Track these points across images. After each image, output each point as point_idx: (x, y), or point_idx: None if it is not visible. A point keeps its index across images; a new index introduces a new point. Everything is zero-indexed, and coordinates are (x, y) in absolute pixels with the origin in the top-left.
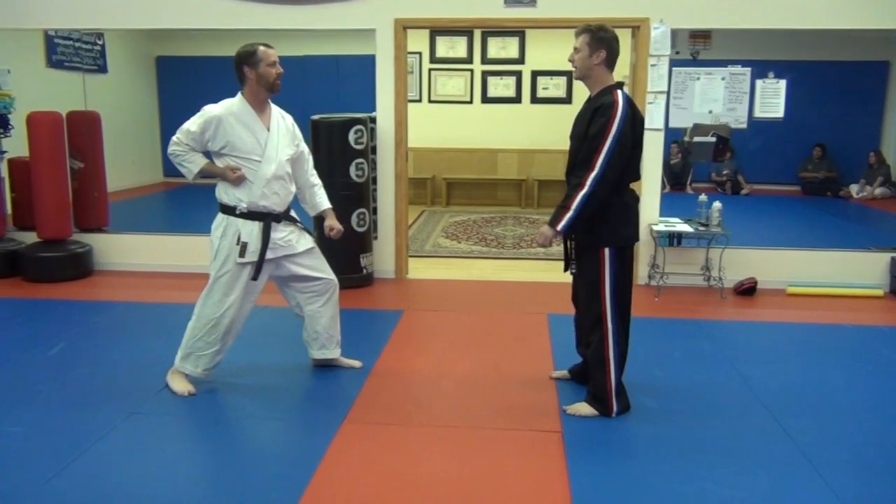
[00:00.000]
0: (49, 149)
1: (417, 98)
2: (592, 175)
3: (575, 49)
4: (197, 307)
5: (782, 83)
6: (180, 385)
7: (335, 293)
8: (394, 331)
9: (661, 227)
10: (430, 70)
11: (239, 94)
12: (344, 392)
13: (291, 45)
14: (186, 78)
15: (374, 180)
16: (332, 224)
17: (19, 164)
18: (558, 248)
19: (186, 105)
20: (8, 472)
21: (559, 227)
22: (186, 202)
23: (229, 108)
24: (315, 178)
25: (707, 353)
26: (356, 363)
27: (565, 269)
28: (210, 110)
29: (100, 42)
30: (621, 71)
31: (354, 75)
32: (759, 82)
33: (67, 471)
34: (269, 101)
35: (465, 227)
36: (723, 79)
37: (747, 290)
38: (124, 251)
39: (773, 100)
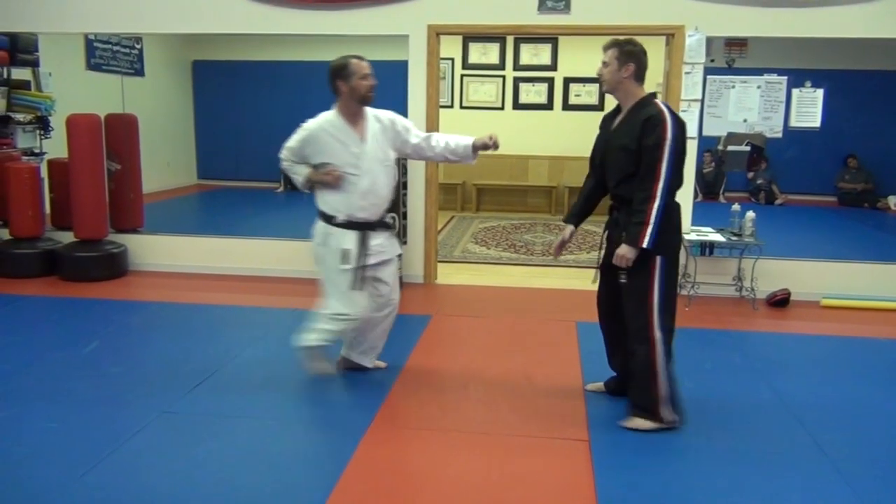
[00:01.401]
0: (87, 150)
1: (449, 104)
2: (661, 185)
3: (603, 63)
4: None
5: (819, 92)
6: (319, 364)
7: (395, 312)
8: (422, 335)
9: (693, 237)
10: (462, 76)
11: (334, 107)
12: (372, 395)
13: (325, 51)
14: (222, 82)
15: (405, 185)
16: (485, 142)
17: (58, 165)
18: (588, 256)
19: (221, 108)
20: (43, 466)
21: (645, 244)
22: (220, 204)
23: (323, 124)
24: (435, 139)
25: (738, 365)
26: (381, 363)
27: (595, 280)
28: (306, 126)
29: (138, 46)
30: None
31: (387, 81)
32: (795, 91)
33: (100, 466)
34: (364, 108)
35: (494, 234)
36: (758, 87)
37: (780, 301)
38: (158, 252)
39: (809, 109)
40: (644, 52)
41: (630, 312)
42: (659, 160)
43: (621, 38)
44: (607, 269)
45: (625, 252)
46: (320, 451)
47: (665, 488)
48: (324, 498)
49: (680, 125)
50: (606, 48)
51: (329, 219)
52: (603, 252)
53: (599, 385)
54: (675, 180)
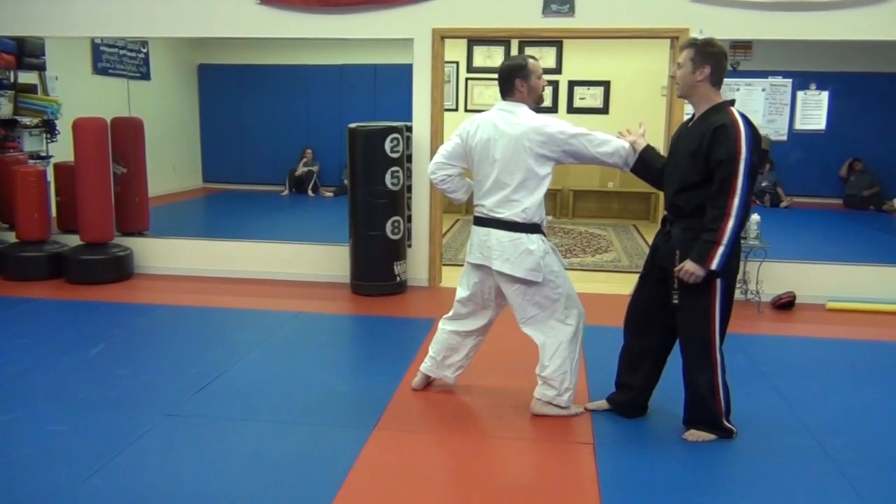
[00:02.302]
0: (93, 154)
1: (454, 107)
2: (736, 202)
3: (678, 64)
4: (565, 334)
5: (824, 95)
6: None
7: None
8: (426, 339)
9: None
10: (466, 79)
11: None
12: (375, 399)
13: (329, 54)
14: (228, 85)
15: (409, 188)
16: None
17: (64, 168)
18: (592, 260)
19: (227, 112)
20: (48, 469)
21: (714, 266)
22: (225, 207)
23: None
24: (601, 147)
25: (743, 368)
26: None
27: (636, 290)
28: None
29: (144, 50)
30: (660, 81)
31: (391, 84)
32: (800, 94)
33: (105, 469)
34: None
35: None
36: (763, 90)
37: (785, 304)
38: (164, 255)
39: (814, 112)
40: (724, 55)
41: (686, 335)
42: (734, 175)
43: (699, 37)
44: (650, 283)
45: (693, 269)
46: (325, 454)
47: (670, 490)
48: (329, 501)
49: (755, 135)
50: (682, 48)
51: (538, 228)
52: (648, 263)
53: (602, 403)
54: (750, 196)
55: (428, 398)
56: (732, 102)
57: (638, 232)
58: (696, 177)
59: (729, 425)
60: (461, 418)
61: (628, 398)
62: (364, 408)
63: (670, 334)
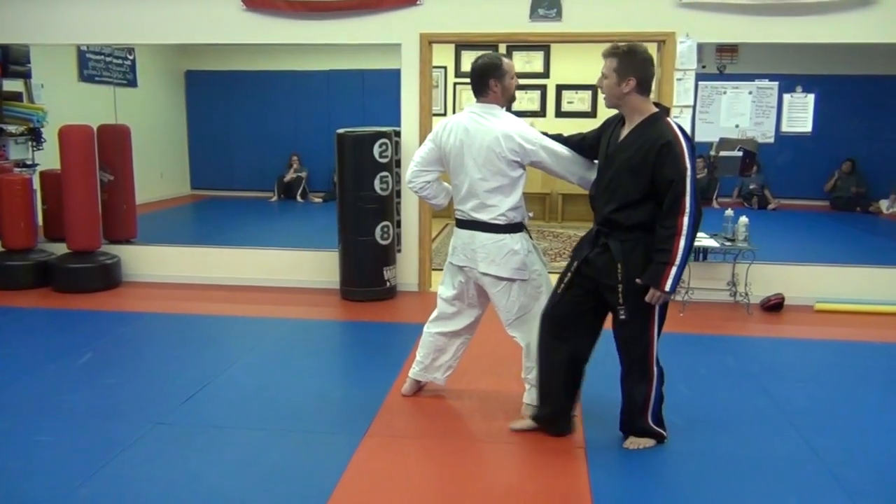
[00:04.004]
0: (80, 162)
1: (442, 112)
2: (686, 221)
3: (602, 75)
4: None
5: (810, 97)
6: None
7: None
8: (416, 344)
9: None
10: (454, 84)
11: (481, 107)
12: (366, 405)
13: (317, 60)
14: (215, 92)
15: (398, 193)
16: None
17: (51, 176)
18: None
19: (215, 118)
20: (36, 480)
21: (668, 288)
22: (213, 214)
23: None
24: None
25: (733, 370)
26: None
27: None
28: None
29: (130, 57)
30: None
31: (380, 89)
32: (786, 97)
33: (94, 479)
34: None
35: None
36: (750, 93)
37: (774, 305)
38: (152, 262)
39: (800, 114)
40: (649, 61)
41: (626, 348)
42: (683, 194)
43: (621, 44)
44: (576, 294)
45: (658, 296)
46: (315, 461)
47: (661, 493)
48: None
49: (693, 148)
50: (605, 56)
51: (521, 226)
52: (574, 275)
53: (529, 423)
54: (699, 210)
55: (418, 404)
56: (667, 112)
57: None
58: (638, 194)
59: (658, 429)
60: (452, 424)
61: (553, 410)
62: (354, 414)
63: (590, 343)
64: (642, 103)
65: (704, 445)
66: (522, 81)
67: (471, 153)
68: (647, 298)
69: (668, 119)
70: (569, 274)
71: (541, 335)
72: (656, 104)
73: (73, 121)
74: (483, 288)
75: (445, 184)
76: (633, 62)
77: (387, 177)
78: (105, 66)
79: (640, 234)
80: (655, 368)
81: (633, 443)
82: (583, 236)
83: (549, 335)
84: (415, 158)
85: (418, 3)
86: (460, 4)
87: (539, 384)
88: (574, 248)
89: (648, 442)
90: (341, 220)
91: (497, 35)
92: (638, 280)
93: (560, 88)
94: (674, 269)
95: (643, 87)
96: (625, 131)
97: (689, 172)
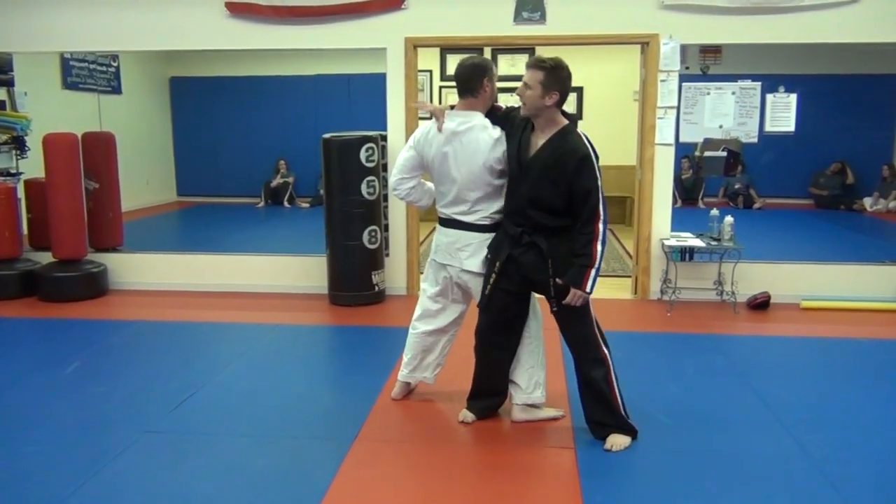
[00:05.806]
0: (64, 170)
1: (427, 115)
2: (601, 227)
3: (525, 84)
4: (527, 330)
5: (793, 97)
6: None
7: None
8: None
9: (672, 242)
10: (440, 88)
11: (470, 108)
12: (355, 410)
13: (303, 65)
14: (200, 98)
15: (386, 198)
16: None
17: (35, 184)
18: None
19: (200, 125)
20: (25, 491)
21: (588, 289)
22: (200, 221)
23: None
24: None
25: (720, 369)
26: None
27: (483, 305)
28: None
29: (114, 64)
30: (631, 86)
31: (365, 93)
32: (769, 97)
33: (83, 489)
34: None
35: None
36: (733, 93)
37: (761, 304)
38: (139, 270)
39: (783, 114)
40: (570, 77)
41: (573, 339)
42: (598, 202)
43: (548, 58)
44: (509, 295)
45: (580, 296)
46: (305, 468)
47: (650, 493)
48: None
49: (597, 157)
50: (529, 67)
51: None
52: (504, 278)
53: (472, 416)
54: (607, 217)
55: (408, 407)
56: (576, 124)
57: (614, 236)
58: (560, 203)
59: (632, 423)
60: (442, 427)
61: (497, 402)
62: (344, 419)
63: (521, 329)
64: (557, 115)
65: (692, 443)
66: (508, 84)
67: (456, 164)
68: (567, 299)
69: (578, 131)
70: (494, 274)
71: (477, 343)
72: (565, 114)
73: (57, 128)
74: (465, 285)
75: (428, 184)
76: (559, 77)
77: (374, 181)
78: (89, 73)
79: (563, 234)
80: (607, 351)
81: (614, 443)
82: (496, 236)
83: (486, 344)
84: (396, 165)
85: (403, 7)
86: (445, 8)
87: (476, 378)
88: (491, 247)
89: (626, 440)
90: (329, 225)
91: (482, 38)
92: (559, 280)
93: None
94: (593, 272)
95: (562, 102)
96: (539, 141)
97: (600, 182)
